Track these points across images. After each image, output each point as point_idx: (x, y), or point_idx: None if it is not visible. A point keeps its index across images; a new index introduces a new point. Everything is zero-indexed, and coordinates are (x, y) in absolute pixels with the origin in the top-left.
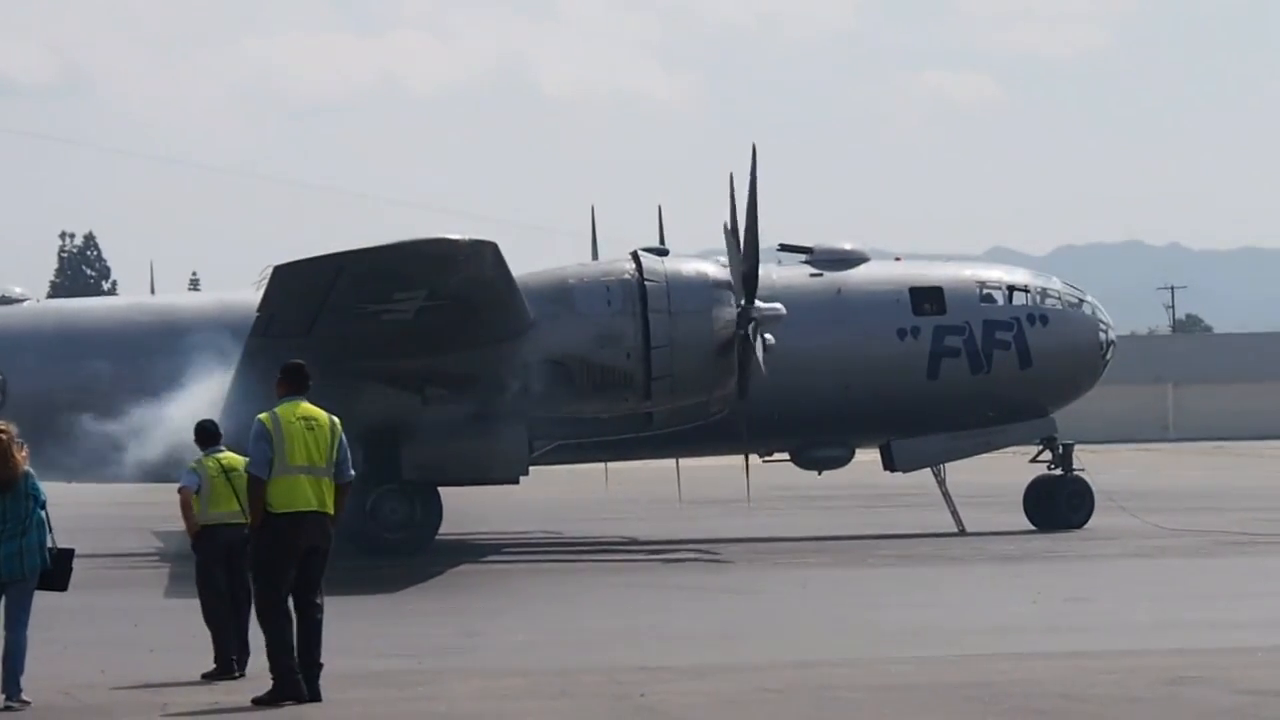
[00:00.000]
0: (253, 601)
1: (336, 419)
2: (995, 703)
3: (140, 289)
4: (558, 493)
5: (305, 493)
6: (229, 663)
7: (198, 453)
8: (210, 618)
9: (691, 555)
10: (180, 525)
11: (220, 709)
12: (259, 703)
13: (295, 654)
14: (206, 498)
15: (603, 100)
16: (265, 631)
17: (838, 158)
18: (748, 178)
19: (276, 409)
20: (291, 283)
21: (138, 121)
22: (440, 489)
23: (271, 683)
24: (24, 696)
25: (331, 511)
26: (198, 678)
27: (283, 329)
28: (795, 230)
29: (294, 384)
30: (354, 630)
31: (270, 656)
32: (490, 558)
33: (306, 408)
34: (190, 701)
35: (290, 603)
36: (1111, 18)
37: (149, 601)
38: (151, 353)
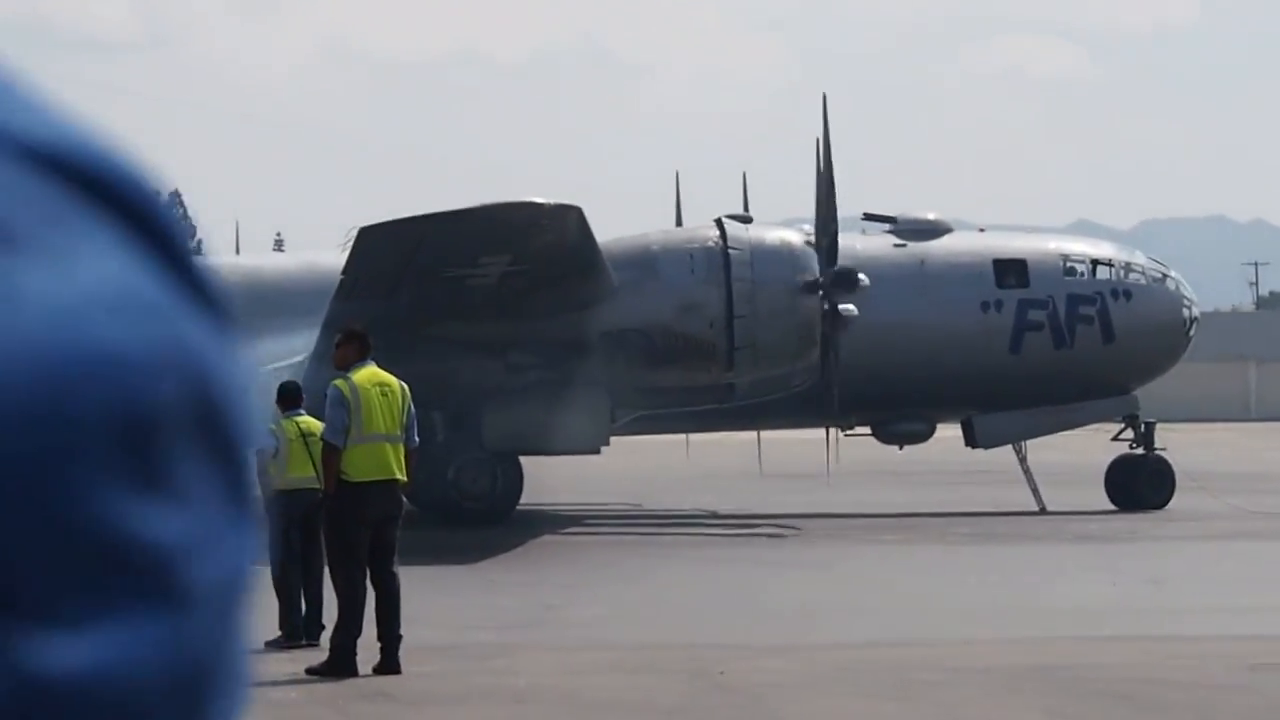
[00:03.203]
0: (328, 570)
1: (405, 384)
2: (1075, 686)
3: (225, 248)
4: (638, 463)
5: (384, 459)
6: (296, 630)
7: (278, 415)
8: (281, 584)
9: (771, 530)
10: (258, 489)
11: (298, 680)
12: (312, 672)
13: (360, 630)
14: (283, 462)
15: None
16: (339, 599)
17: (921, 127)
18: (822, 135)
19: (352, 375)
20: (376, 246)
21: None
22: (521, 458)
23: (329, 653)
24: None
25: (405, 478)
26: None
27: (367, 292)
28: (879, 199)
29: (362, 348)
30: (433, 601)
31: (336, 627)
32: (570, 529)
33: (379, 373)
34: (266, 671)
35: (367, 575)
36: None
37: None
38: (237, 314)
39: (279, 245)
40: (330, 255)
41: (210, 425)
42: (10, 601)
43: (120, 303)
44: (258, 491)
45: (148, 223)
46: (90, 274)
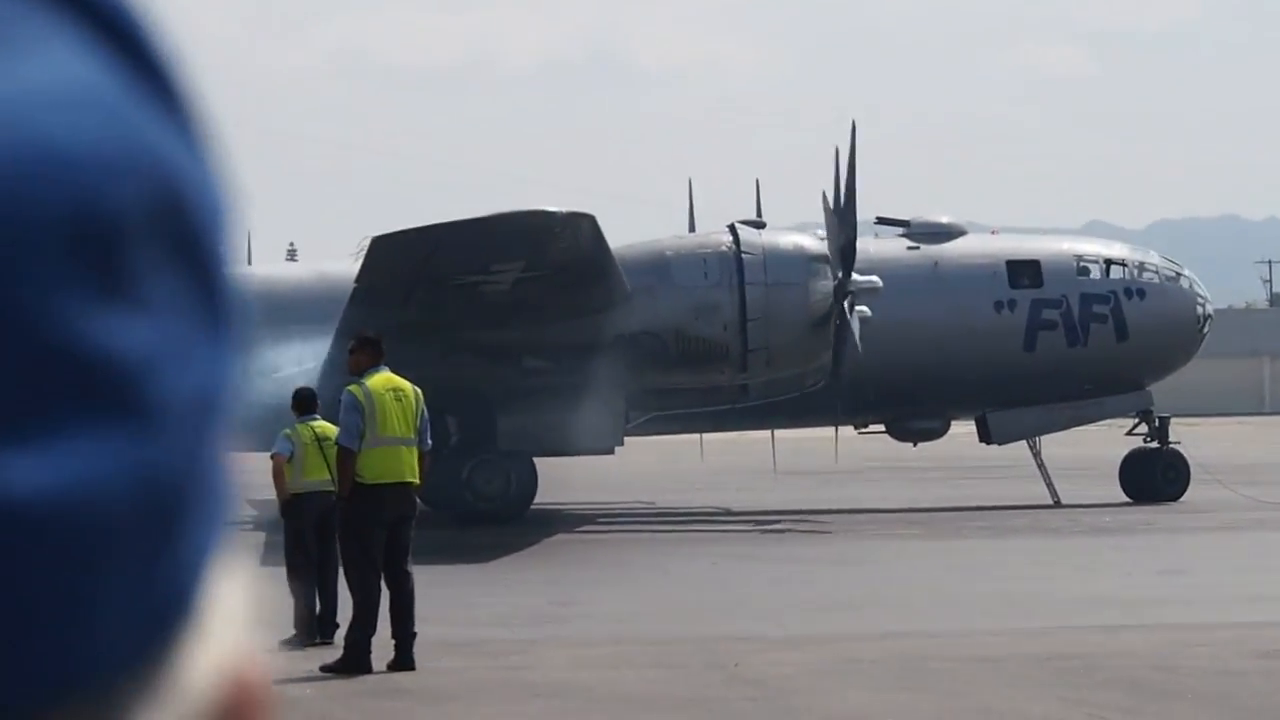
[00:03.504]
0: (343, 571)
1: (418, 389)
2: (1089, 675)
3: (238, 258)
4: (653, 463)
5: (399, 463)
6: (310, 630)
7: (293, 421)
8: (296, 585)
9: (785, 526)
10: (274, 493)
11: (314, 677)
12: (327, 670)
13: (374, 629)
14: (299, 465)
15: (698, 73)
16: (354, 599)
17: (933, 131)
18: (847, 152)
19: (366, 380)
20: (390, 254)
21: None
22: (535, 459)
23: (344, 651)
24: None
25: (418, 481)
26: (276, 645)
27: (380, 300)
28: (891, 203)
29: (375, 354)
30: (448, 599)
31: (351, 625)
32: (585, 528)
33: (393, 378)
34: (282, 669)
35: (382, 576)
36: None
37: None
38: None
39: (292, 255)
40: (343, 264)
41: (178, 232)
42: None
43: (74, 100)
44: (242, 308)
45: (117, 26)
46: (40, 70)
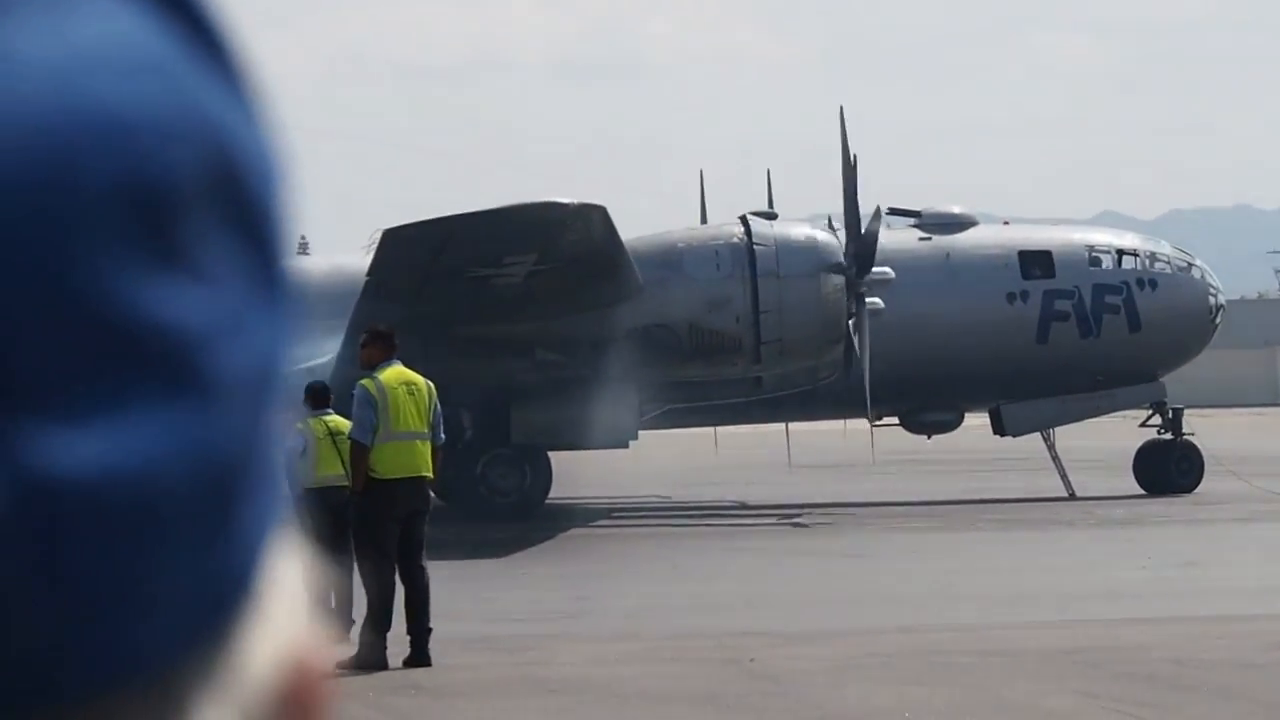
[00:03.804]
0: (357, 566)
1: (430, 383)
2: (1105, 668)
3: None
4: (667, 457)
5: (412, 458)
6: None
7: (305, 414)
8: (308, 580)
9: (801, 520)
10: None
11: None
12: (342, 666)
13: (390, 625)
14: (311, 460)
15: (710, 64)
16: (369, 595)
17: (946, 121)
18: (840, 144)
19: (379, 374)
20: (401, 247)
21: None
22: (550, 453)
23: (358, 647)
24: None
25: (431, 475)
26: None
27: (392, 293)
28: (903, 194)
29: (387, 348)
30: (463, 595)
31: (366, 621)
32: (600, 522)
33: (405, 372)
34: None
35: (396, 572)
36: None
37: None
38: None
39: (303, 249)
40: (355, 257)
41: (234, 200)
42: (10, 389)
43: (127, 64)
44: (291, 277)
45: None
46: (92, 33)
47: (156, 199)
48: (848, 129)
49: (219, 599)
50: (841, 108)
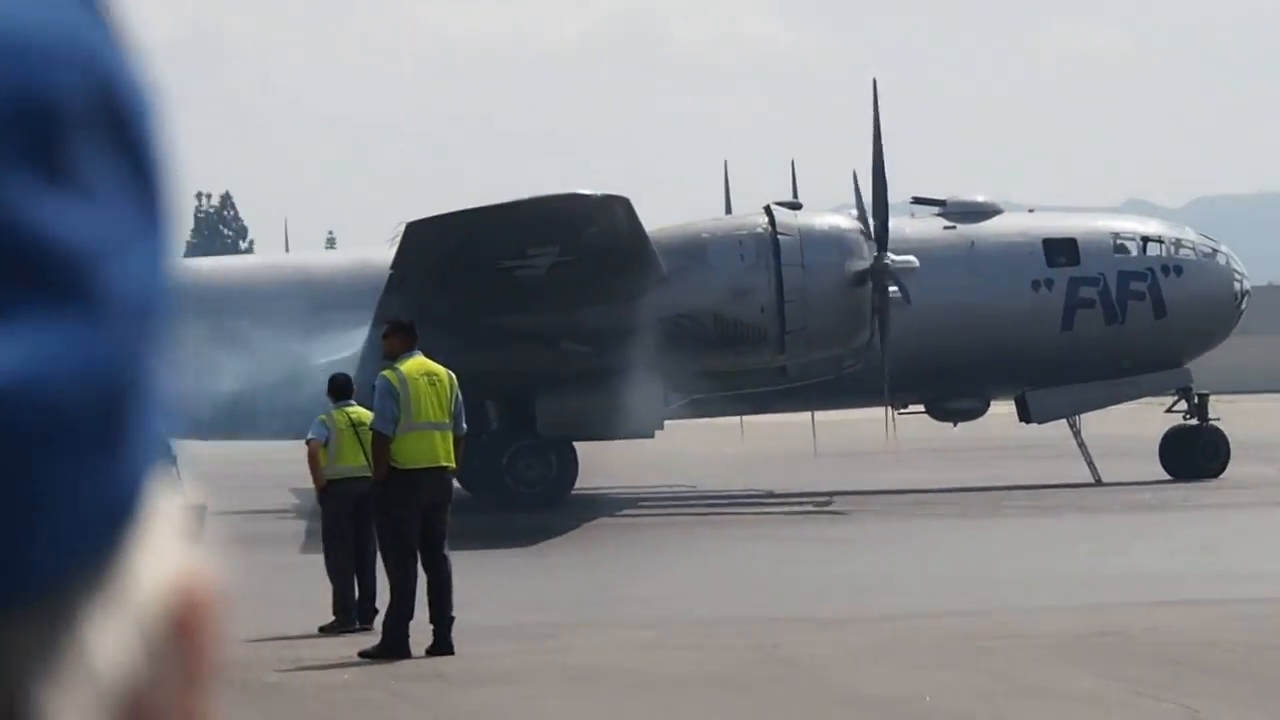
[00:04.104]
0: (380, 556)
1: (452, 373)
2: (1130, 651)
3: (276, 246)
4: (693, 447)
5: (433, 448)
6: (348, 615)
7: (329, 406)
8: (334, 571)
9: (827, 508)
10: (311, 481)
11: (353, 663)
12: (365, 655)
13: (412, 614)
14: (334, 451)
15: (733, 54)
16: (391, 584)
17: (969, 111)
18: (871, 118)
19: (400, 365)
20: (424, 239)
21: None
22: (575, 444)
23: (382, 636)
24: None
25: (453, 465)
26: (315, 631)
27: (416, 285)
28: (928, 184)
29: (408, 339)
30: (488, 584)
31: (389, 610)
32: (625, 512)
33: (426, 363)
34: (323, 655)
35: (419, 562)
36: None
37: (283, 557)
38: (287, 311)
39: (331, 243)
40: (380, 250)
41: (116, 126)
42: None
43: None
44: (172, 205)
45: None
46: None
47: (43, 117)
48: (878, 111)
49: (108, 516)
50: (875, 80)
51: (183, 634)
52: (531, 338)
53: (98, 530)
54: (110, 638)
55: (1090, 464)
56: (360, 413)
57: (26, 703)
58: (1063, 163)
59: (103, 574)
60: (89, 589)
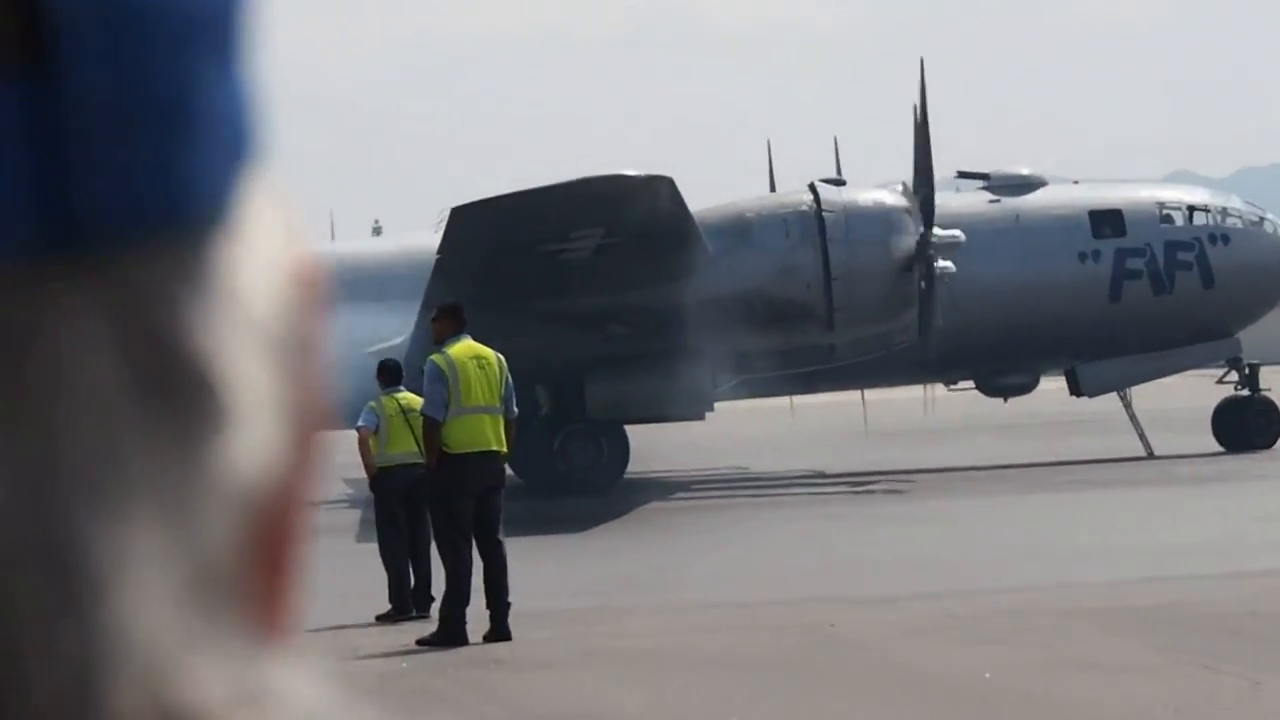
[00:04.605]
0: (434, 541)
1: (501, 356)
2: (1186, 624)
3: (321, 235)
4: (743, 428)
5: (483, 432)
6: (404, 603)
7: (378, 392)
8: (388, 559)
9: (879, 486)
10: (363, 470)
11: (411, 651)
12: (423, 643)
13: (468, 600)
14: (384, 438)
15: (775, 33)
16: (447, 571)
17: (1013, 83)
18: (918, 101)
19: (448, 349)
20: (470, 224)
21: (310, 71)
22: (626, 427)
23: (439, 623)
24: None
25: (505, 449)
26: (372, 620)
27: (462, 271)
28: (971, 157)
29: (457, 322)
30: (542, 569)
31: (445, 598)
32: (677, 495)
33: (475, 346)
34: (382, 644)
35: (474, 548)
36: None
37: (338, 546)
38: (335, 299)
39: (377, 232)
40: (426, 236)
41: None
42: None
43: None
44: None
45: None
46: None
47: None
48: (925, 88)
49: (240, 137)
50: (922, 60)
51: (302, 287)
52: (578, 321)
53: (233, 150)
54: (247, 274)
55: (1142, 437)
56: (410, 398)
57: (188, 329)
58: (1108, 135)
59: (233, 211)
60: (217, 227)
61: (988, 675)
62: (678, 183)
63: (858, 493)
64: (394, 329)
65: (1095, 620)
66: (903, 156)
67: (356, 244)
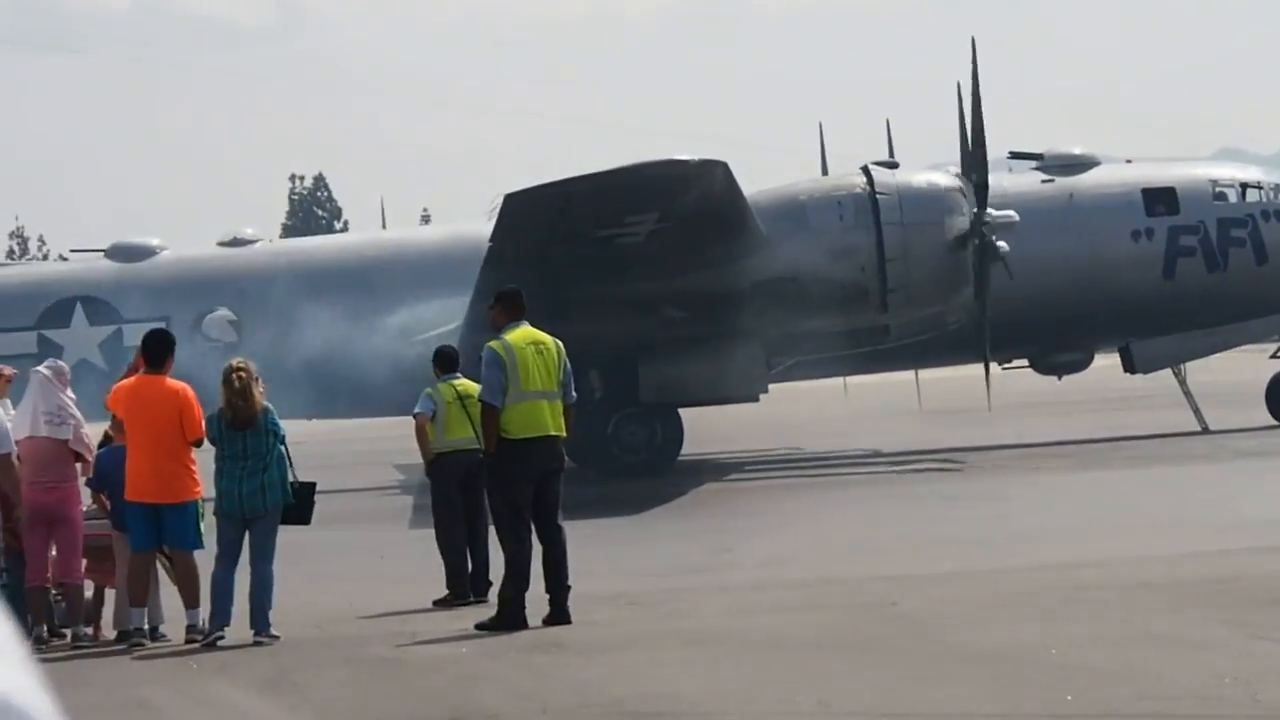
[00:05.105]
0: (493, 528)
1: (559, 341)
2: (1248, 597)
3: (373, 224)
4: (798, 409)
5: (542, 417)
6: (462, 589)
7: (434, 382)
8: (445, 545)
9: (934, 465)
10: (419, 457)
11: (468, 635)
12: (482, 628)
13: (528, 584)
14: (442, 425)
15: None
16: (506, 556)
17: (1060, 62)
18: (969, 81)
19: (505, 335)
20: (523, 211)
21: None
22: (680, 410)
23: (498, 608)
24: (273, 631)
25: (564, 434)
26: (429, 605)
27: (516, 258)
28: (1024, 138)
29: (515, 309)
30: (600, 553)
31: (504, 582)
32: (733, 476)
33: (533, 332)
34: (438, 629)
35: (534, 534)
36: None
37: (392, 533)
38: (385, 287)
39: (426, 220)
40: (477, 224)
41: None
42: None
43: None
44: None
45: None
46: None
47: None
48: (976, 67)
49: None
50: (974, 39)
51: None
52: (632, 305)
53: None
54: None
55: (1197, 412)
56: (467, 385)
57: None
58: (1155, 113)
59: None
60: None
61: (1054, 652)
62: (731, 166)
63: (913, 471)
64: (448, 316)
65: (1158, 594)
66: (953, 138)
67: (408, 232)
